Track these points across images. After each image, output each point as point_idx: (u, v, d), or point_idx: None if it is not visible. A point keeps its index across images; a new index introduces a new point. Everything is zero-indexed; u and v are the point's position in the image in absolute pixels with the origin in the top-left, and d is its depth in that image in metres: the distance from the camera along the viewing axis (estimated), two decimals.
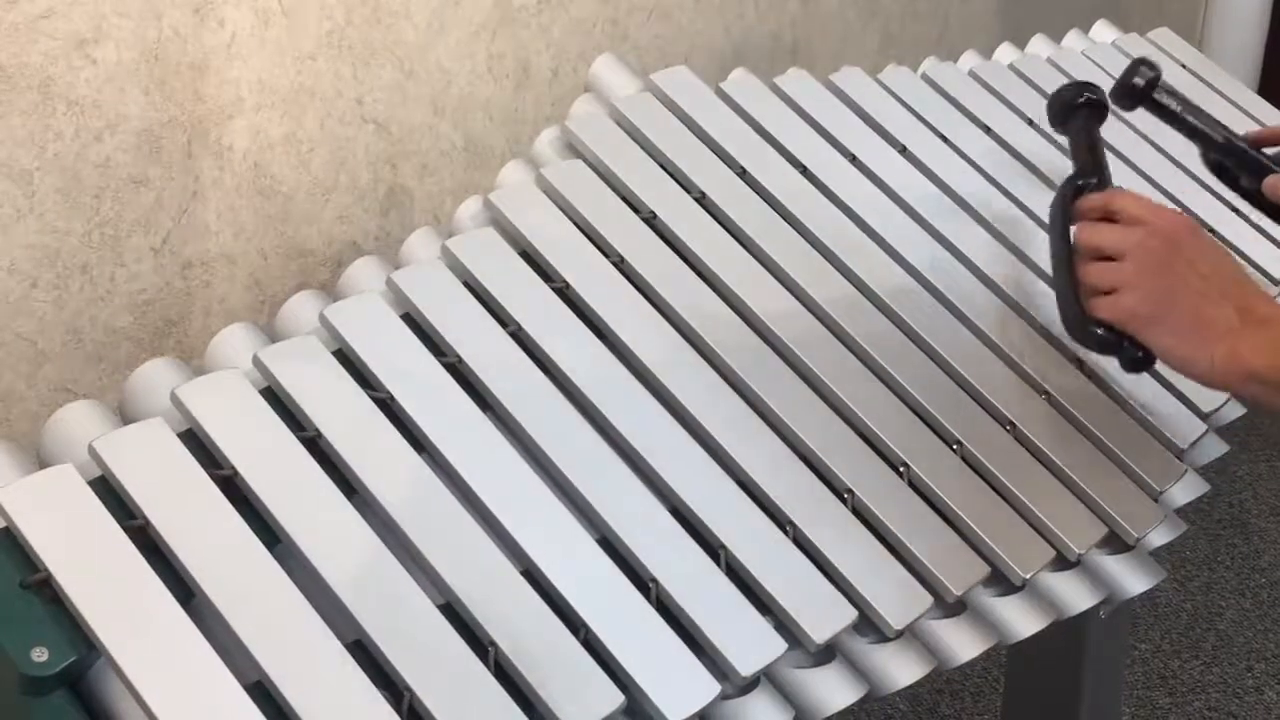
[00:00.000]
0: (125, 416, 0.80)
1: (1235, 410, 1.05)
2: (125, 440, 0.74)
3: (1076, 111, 1.01)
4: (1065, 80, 1.28)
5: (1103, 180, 0.94)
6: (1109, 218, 0.87)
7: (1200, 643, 1.93)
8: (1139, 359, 0.84)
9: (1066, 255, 0.89)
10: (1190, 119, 1.00)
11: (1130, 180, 1.20)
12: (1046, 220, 1.09)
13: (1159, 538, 0.94)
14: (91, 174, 1.04)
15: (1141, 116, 1.06)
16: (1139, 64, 1.01)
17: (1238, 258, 1.11)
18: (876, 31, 1.83)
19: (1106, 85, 1.29)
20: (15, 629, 0.66)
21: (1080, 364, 0.99)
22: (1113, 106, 1.03)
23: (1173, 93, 1.00)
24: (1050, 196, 1.13)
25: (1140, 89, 1.00)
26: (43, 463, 0.76)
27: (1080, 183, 0.93)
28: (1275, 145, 0.98)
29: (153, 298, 1.11)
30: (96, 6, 1.01)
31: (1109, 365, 0.99)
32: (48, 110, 1.00)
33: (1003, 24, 2.06)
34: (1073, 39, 1.37)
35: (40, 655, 0.65)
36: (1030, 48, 1.33)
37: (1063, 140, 1.20)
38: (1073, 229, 0.90)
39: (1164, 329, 0.82)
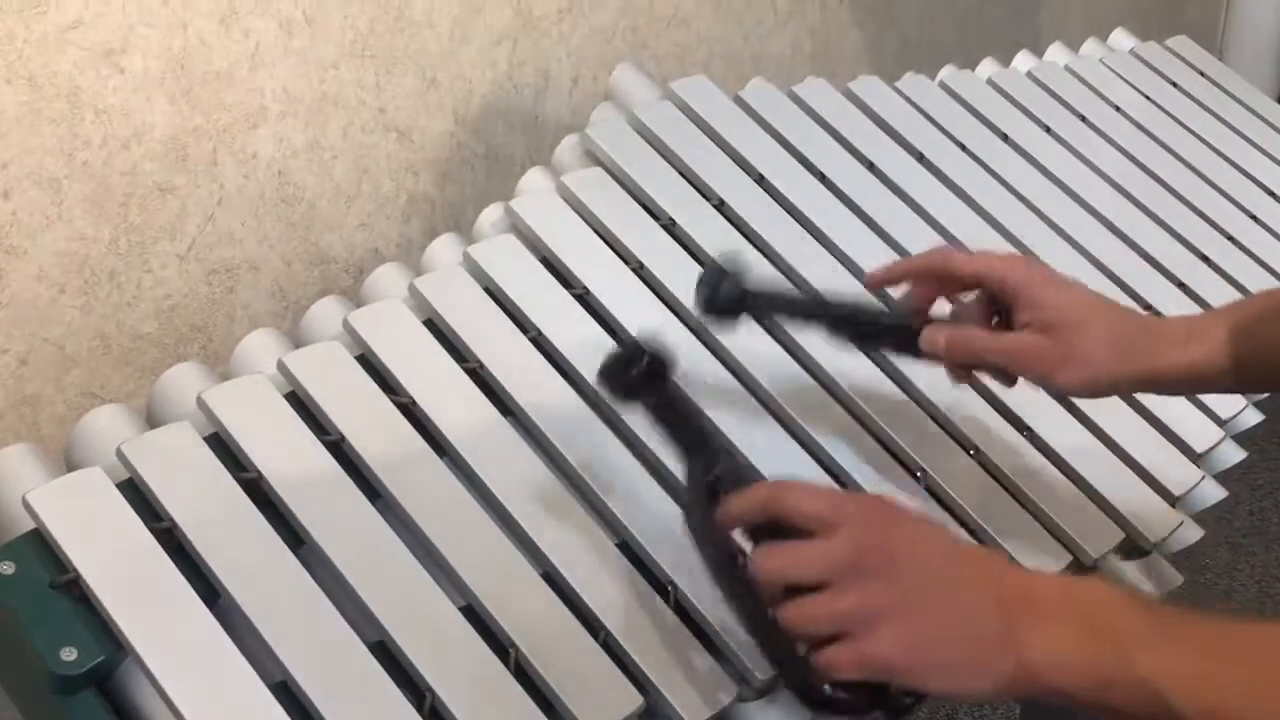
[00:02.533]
0: (152, 420, 0.82)
1: (1254, 416, 1.05)
2: (152, 444, 0.75)
3: (639, 387, 0.73)
4: (1082, 88, 1.28)
5: (726, 460, 0.71)
6: (776, 524, 0.65)
7: None
8: (909, 705, 0.63)
9: (746, 596, 0.65)
10: (796, 304, 0.88)
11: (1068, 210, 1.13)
12: (1061, 227, 1.10)
13: (1176, 543, 0.94)
14: (119, 182, 1.06)
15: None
16: (717, 274, 0.83)
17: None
18: (895, 39, 1.84)
19: (1124, 93, 1.31)
20: (45, 629, 0.67)
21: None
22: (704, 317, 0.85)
23: (761, 288, 0.85)
24: (1068, 204, 1.14)
25: (730, 300, 0.83)
26: (71, 466, 0.77)
27: (708, 480, 0.69)
28: (892, 284, 0.85)
29: (178, 304, 1.13)
30: (124, 17, 1.02)
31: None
32: (76, 119, 1.02)
33: (1021, 32, 2.07)
34: (1091, 47, 1.38)
35: (69, 655, 0.66)
36: (1048, 55, 1.34)
37: (1079, 146, 1.21)
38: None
39: (930, 664, 0.61)
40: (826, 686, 0.62)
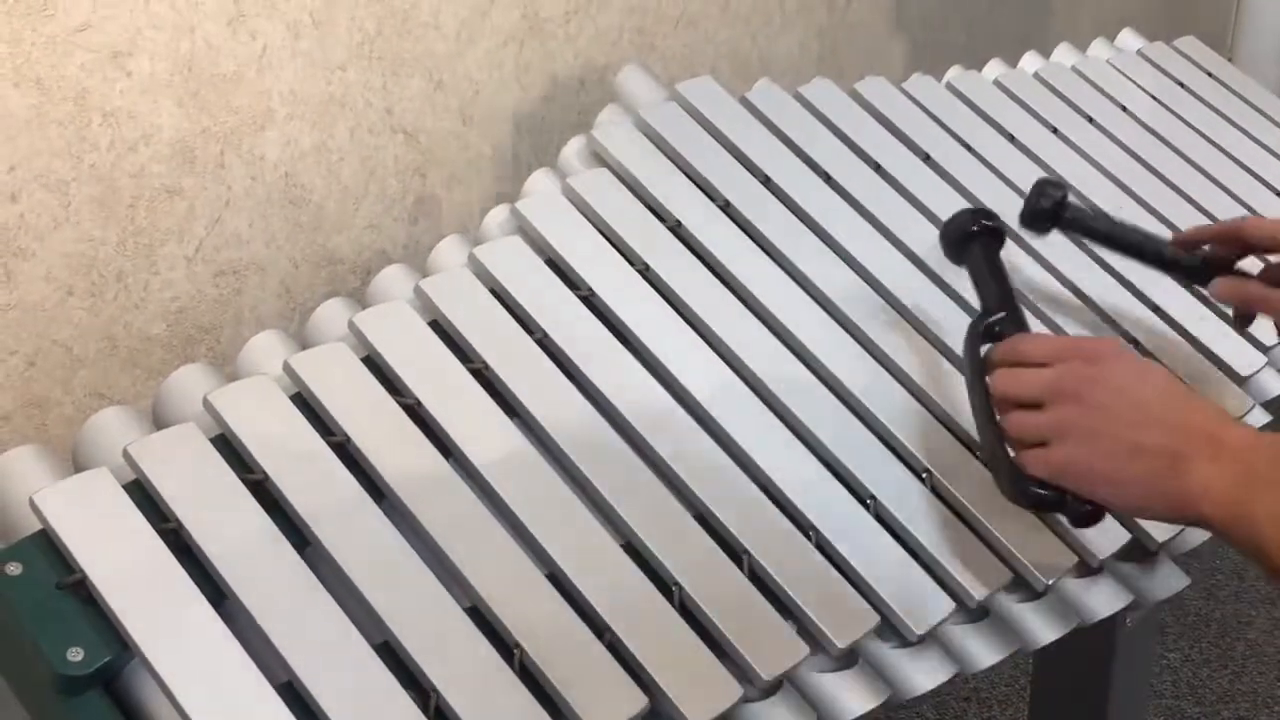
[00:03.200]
0: (158, 422, 0.82)
1: (1261, 417, 1.05)
2: (159, 445, 0.76)
3: (972, 242, 0.91)
4: (1089, 89, 1.28)
5: (1012, 313, 0.86)
6: (1021, 363, 0.79)
7: (1230, 652, 1.92)
8: (1087, 513, 0.75)
9: (987, 408, 0.81)
10: (1106, 233, 0.96)
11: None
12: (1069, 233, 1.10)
13: (1181, 545, 0.94)
14: (126, 184, 1.06)
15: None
16: (1044, 185, 0.96)
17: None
18: (904, 40, 1.84)
19: (1131, 94, 1.30)
20: (52, 629, 0.67)
21: None
22: (1021, 230, 0.99)
23: (1082, 210, 0.97)
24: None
25: (1049, 211, 0.96)
26: (78, 467, 0.78)
27: (989, 321, 0.85)
28: (1196, 247, 0.95)
29: (186, 305, 1.13)
30: (131, 20, 1.02)
31: None
32: (84, 121, 1.02)
33: (1030, 33, 2.06)
34: (1098, 48, 1.37)
35: (76, 655, 0.67)
36: (1055, 56, 1.33)
37: (1086, 146, 1.21)
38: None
39: (1103, 478, 0.73)
40: (1028, 484, 0.76)
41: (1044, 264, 1.07)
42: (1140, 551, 0.92)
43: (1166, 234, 0.99)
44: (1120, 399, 0.74)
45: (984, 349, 0.84)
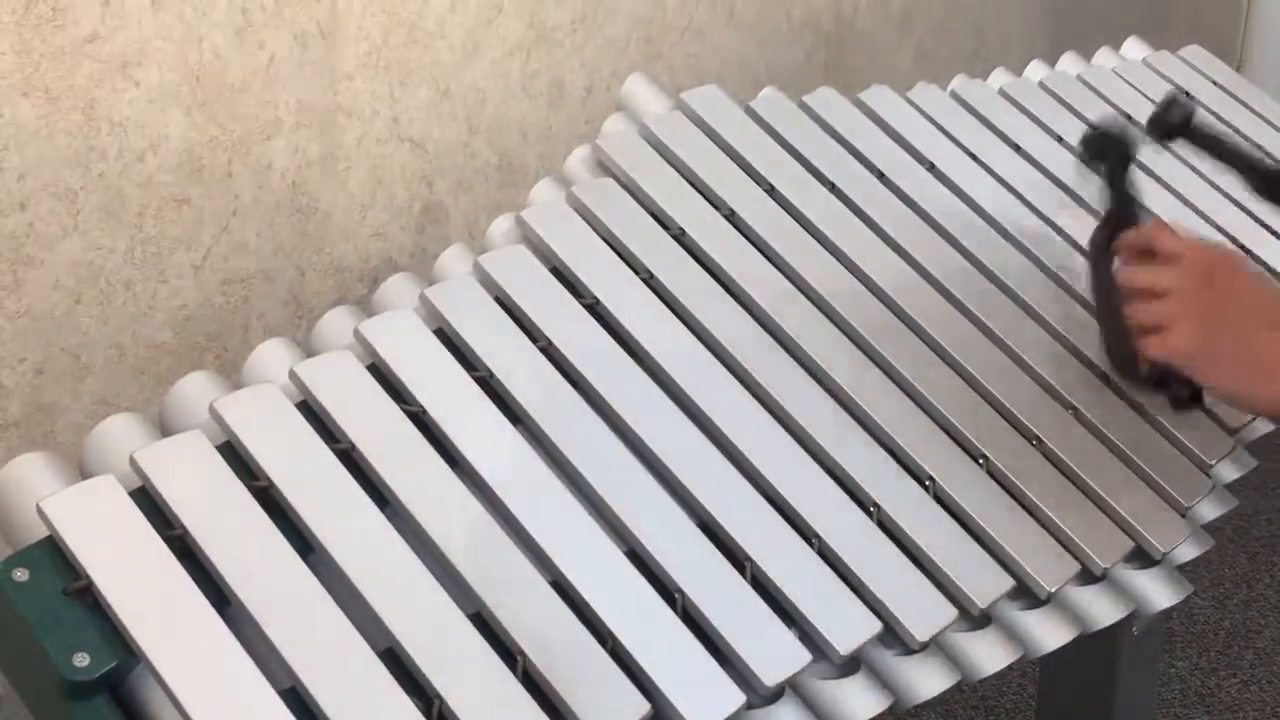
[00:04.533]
0: (165, 429, 0.82)
1: (1264, 426, 1.05)
2: (165, 452, 0.76)
3: (1111, 151, 1.03)
4: (1094, 98, 1.29)
5: (1136, 218, 0.96)
6: (1148, 254, 0.88)
7: (1238, 661, 1.91)
8: (1186, 398, 0.86)
9: (1110, 294, 0.90)
10: (1225, 149, 1.05)
11: (1173, 207, 1.20)
12: (1075, 239, 1.10)
13: (1186, 552, 0.94)
14: (134, 193, 1.07)
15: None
16: (1172, 100, 1.07)
17: None
18: (910, 49, 1.84)
19: (1138, 103, 1.31)
20: (58, 635, 0.68)
21: (1107, 380, 0.99)
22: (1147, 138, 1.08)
23: (1206, 126, 1.06)
24: (1080, 214, 1.14)
25: (1175, 124, 1.06)
26: (85, 473, 0.78)
27: (1117, 220, 0.95)
28: None
29: (193, 313, 1.14)
30: (139, 30, 1.03)
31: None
32: (92, 131, 1.03)
33: (1037, 40, 2.07)
34: (1104, 56, 1.38)
35: (81, 661, 0.67)
36: (1060, 65, 1.34)
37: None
38: (1115, 268, 0.92)
39: (1215, 366, 0.82)
40: (1141, 365, 0.86)
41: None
42: (1144, 559, 0.92)
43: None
44: (1238, 302, 0.83)
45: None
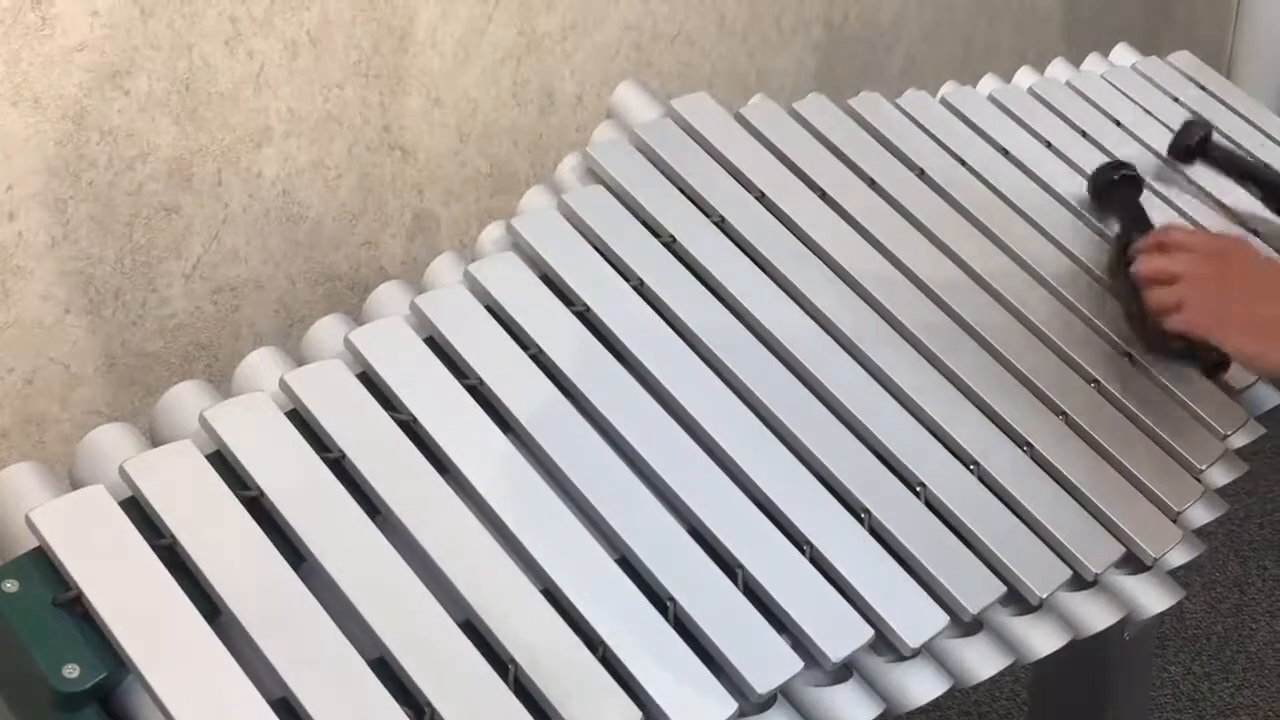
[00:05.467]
0: (155, 438, 0.82)
1: (1256, 430, 1.05)
2: (154, 462, 0.76)
3: (1114, 187, 1.13)
4: (1083, 104, 1.29)
5: (1149, 225, 1.07)
6: (1162, 250, 0.98)
7: (1231, 665, 1.92)
8: (1214, 364, 0.99)
9: (1133, 287, 0.99)
10: (1243, 166, 1.17)
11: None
12: (1067, 247, 1.11)
13: (1177, 558, 0.94)
14: (124, 202, 1.07)
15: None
16: (1190, 124, 1.20)
17: None
18: (900, 56, 1.85)
19: (1126, 109, 1.31)
20: (47, 646, 0.67)
21: (1096, 384, 1.00)
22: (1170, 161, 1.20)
23: (1221, 145, 1.19)
24: (1070, 220, 1.15)
25: (1193, 145, 1.19)
26: (75, 484, 0.78)
27: (1130, 232, 1.06)
28: None
29: (183, 322, 1.13)
30: (129, 39, 1.03)
31: (1123, 387, 1.00)
32: (82, 140, 1.03)
33: (1026, 49, 2.07)
34: (1092, 62, 1.38)
35: (71, 672, 0.67)
36: (1050, 71, 1.34)
37: (1081, 161, 1.21)
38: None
39: (1230, 330, 0.92)
40: (1167, 340, 0.96)
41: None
42: (1135, 564, 0.92)
43: None
44: (1245, 278, 0.94)
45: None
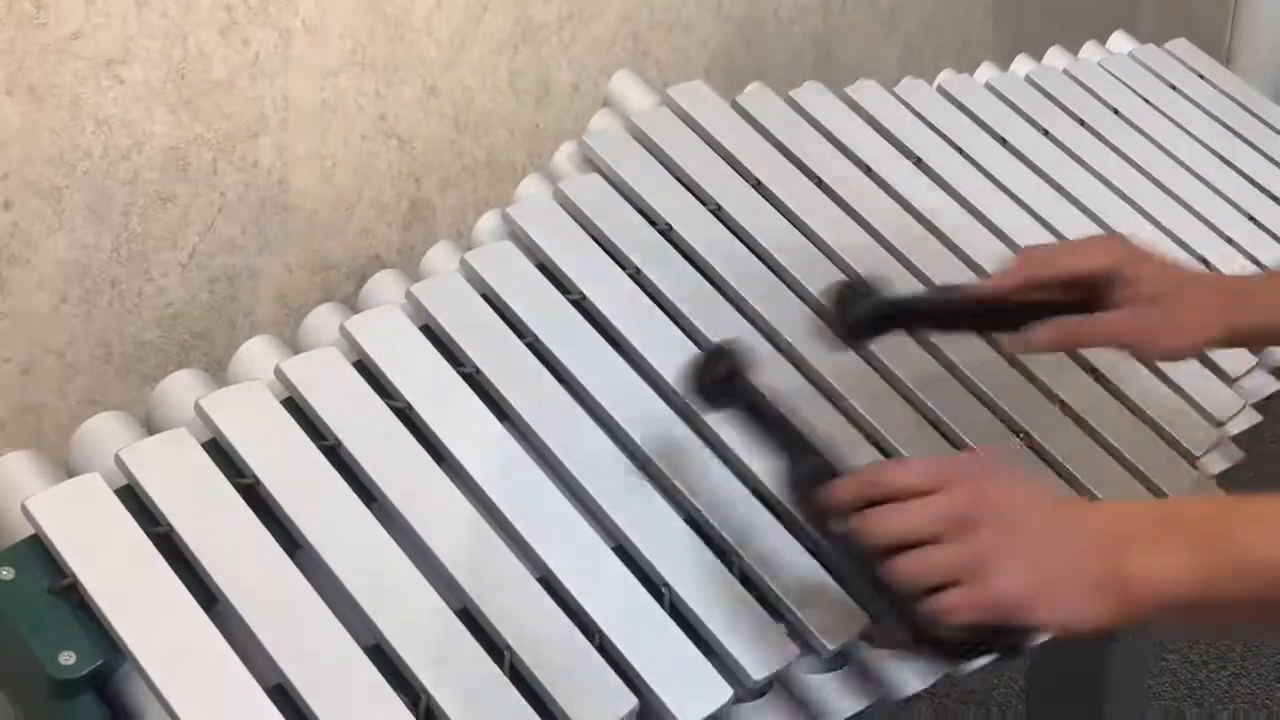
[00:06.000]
0: (151, 427, 0.82)
1: (1251, 418, 1.05)
2: (150, 450, 0.76)
3: (727, 390, 0.77)
4: (1080, 92, 1.29)
5: (820, 453, 0.73)
6: (874, 492, 0.68)
7: (1228, 654, 1.92)
8: (1019, 643, 0.67)
9: (860, 559, 0.68)
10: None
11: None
12: (1064, 235, 1.10)
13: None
14: (120, 191, 1.06)
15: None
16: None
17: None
18: (899, 45, 1.84)
19: (1123, 97, 1.31)
20: (44, 633, 0.68)
21: (1095, 372, 1.00)
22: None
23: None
24: (1068, 209, 1.14)
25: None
26: (71, 472, 0.78)
27: (804, 468, 0.72)
28: (1015, 292, 0.84)
29: (180, 311, 1.13)
30: (124, 28, 1.03)
31: (1119, 374, 1.00)
32: (77, 129, 1.02)
33: (1024, 39, 2.07)
34: (1090, 50, 1.38)
35: (68, 659, 0.67)
36: (1047, 59, 1.34)
37: (1078, 149, 1.21)
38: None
39: (1046, 598, 0.64)
40: (945, 632, 0.65)
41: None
42: None
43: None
44: (1025, 517, 0.67)
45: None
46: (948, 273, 1.03)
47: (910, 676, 0.81)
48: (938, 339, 0.96)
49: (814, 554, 0.82)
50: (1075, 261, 0.84)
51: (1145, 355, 0.95)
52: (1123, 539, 0.65)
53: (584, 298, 0.92)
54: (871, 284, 0.83)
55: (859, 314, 0.82)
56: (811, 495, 0.70)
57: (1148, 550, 0.64)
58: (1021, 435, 0.94)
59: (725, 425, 0.85)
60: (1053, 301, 0.84)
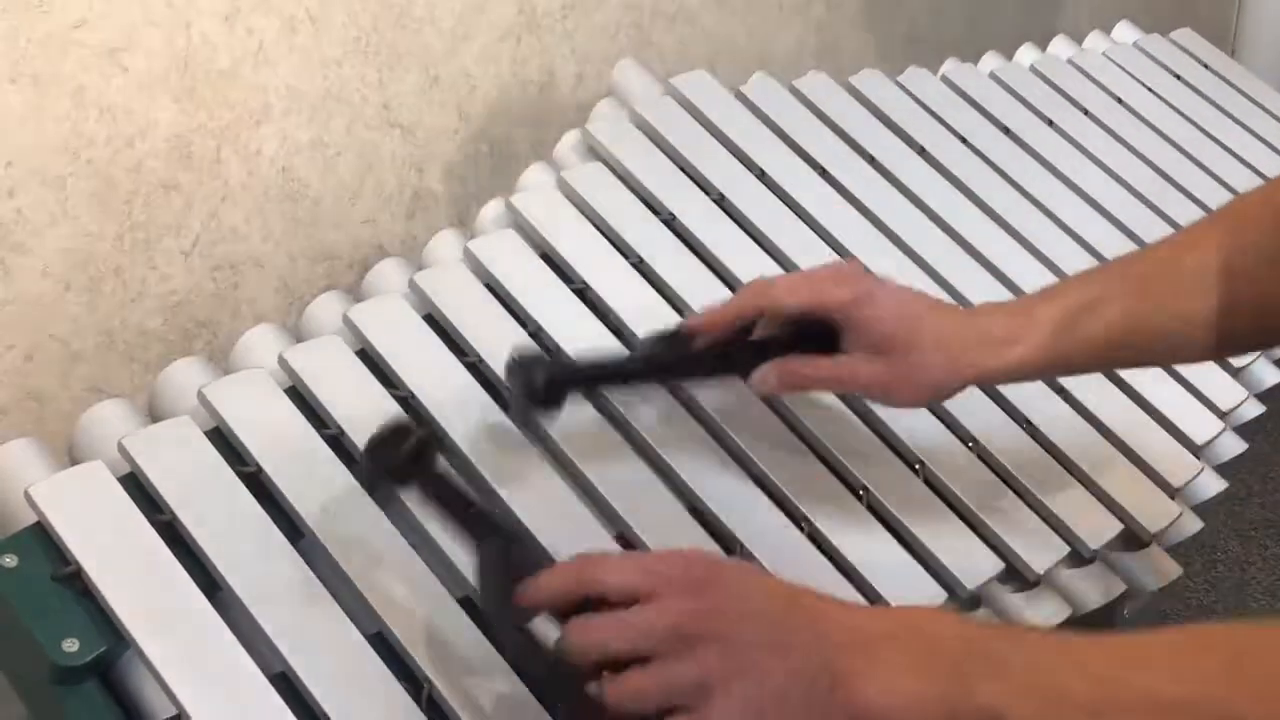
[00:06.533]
0: (155, 415, 0.82)
1: (1256, 408, 1.05)
2: (154, 438, 0.76)
3: (408, 470, 0.70)
4: (1085, 82, 1.28)
5: (509, 533, 0.67)
6: (586, 603, 0.60)
7: None
8: None
9: (560, 681, 0.60)
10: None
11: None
12: (1068, 225, 1.10)
13: (1176, 534, 0.94)
14: (123, 179, 1.06)
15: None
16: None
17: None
18: (902, 34, 1.84)
19: (1127, 86, 1.30)
20: (47, 621, 0.68)
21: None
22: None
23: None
24: (1072, 198, 1.14)
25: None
26: (74, 460, 0.78)
27: (492, 550, 0.66)
28: (720, 330, 0.80)
29: (183, 300, 1.13)
30: (127, 16, 1.03)
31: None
32: (81, 117, 1.02)
33: (1031, 27, 2.06)
34: (1094, 40, 1.37)
35: (71, 646, 0.67)
36: (1051, 49, 1.34)
37: (1082, 139, 1.21)
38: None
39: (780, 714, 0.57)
40: None
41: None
42: (1134, 541, 0.92)
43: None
44: (751, 629, 0.58)
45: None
46: (950, 263, 1.03)
47: None
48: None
49: (815, 543, 0.82)
50: (793, 299, 0.77)
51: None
52: (858, 655, 0.57)
53: (587, 287, 0.92)
54: (541, 355, 0.79)
55: (542, 382, 0.77)
56: (504, 587, 0.60)
57: (884, 676, 0.57)
58: (1024, 425, 0.94)
59: (726, 410, 0.86)
60: (784, 339, 0.78)
